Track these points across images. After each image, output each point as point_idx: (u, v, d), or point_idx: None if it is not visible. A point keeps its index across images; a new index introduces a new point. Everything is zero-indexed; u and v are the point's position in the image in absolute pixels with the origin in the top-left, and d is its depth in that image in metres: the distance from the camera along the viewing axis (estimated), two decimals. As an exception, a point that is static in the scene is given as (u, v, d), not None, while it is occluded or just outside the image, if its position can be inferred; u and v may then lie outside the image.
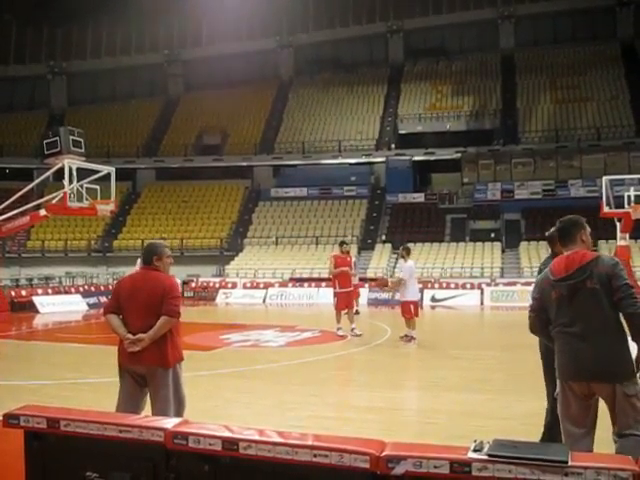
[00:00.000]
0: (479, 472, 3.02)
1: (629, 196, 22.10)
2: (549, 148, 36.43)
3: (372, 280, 25.47)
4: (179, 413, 5.16)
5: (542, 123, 38.11)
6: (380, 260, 32.13)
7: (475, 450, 3.11)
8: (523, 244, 31.87)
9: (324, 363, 11.68)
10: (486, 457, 3.05)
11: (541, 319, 4.47)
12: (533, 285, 4.75)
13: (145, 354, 5.14)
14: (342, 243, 15.62)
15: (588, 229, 4.54)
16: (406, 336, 13.64)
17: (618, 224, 21.96)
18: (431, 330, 17.65)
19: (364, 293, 24.45)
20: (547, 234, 5.96)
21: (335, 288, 14.96)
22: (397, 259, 31.97)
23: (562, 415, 4.33)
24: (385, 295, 24.36)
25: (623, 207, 21.88)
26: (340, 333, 14.59)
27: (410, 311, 13.58)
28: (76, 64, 47.26)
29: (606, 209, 22.21)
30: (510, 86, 40.56)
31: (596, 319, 4.15)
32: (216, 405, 8.06)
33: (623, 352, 4.14)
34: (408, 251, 14.17)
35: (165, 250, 5.39)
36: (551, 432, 5.49)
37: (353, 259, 15.58)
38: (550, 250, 5.90)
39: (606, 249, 28.07)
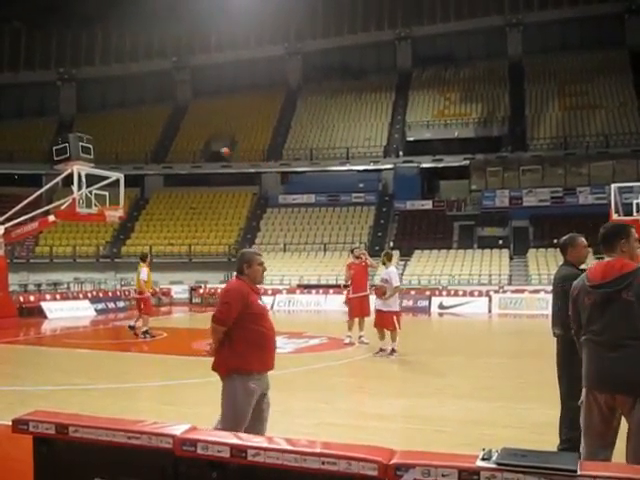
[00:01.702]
0: (488, 481, 3.01)
1: (637, 203, 22.02)
2: (557, 155, 36.34)
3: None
4: (223, 426, 4.92)
5: (550, 130, 38.03)
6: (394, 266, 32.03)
7: (484, 459, 3.10)
8: (531, 251, 31.78)
9: (332, 370, 11.66)
10: (495, 466, 3.04)
11: (579, 324, 4.38)
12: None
13: (214, 361, 5.20)
14: (352, 250, 15.62)
15: (634, 237, 4.37)
16: (382, 350, 12.82)
17: (627, 232, 21.86)
18: (439, 337, 17.62)
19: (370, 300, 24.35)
20: (559, 242, 5.93)
21: (350, 294, 14.82)
22: (403, 265, 31.99)
23: (584, 425, 4.26)
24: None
25: (632, 214, 21.78)
26: (347, 341, 14.53)
27: (393, 323, 12.71)
28: (85, 71, 47.47)
29: (615, 216, 22.10)
30: (518, 93, 40.51)
31: (627, 331, 4.04)
32: (224, 412, 8.05)
33: None
34: (390, 257, 13.62)
35: (256, 257, 5.31)
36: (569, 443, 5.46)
37: (368, 261, 15.22)
38: (563, 257, 5.85)
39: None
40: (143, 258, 17.09)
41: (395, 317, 12.77)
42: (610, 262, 4.23)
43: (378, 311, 12.90)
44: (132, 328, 16.45)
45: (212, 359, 5.15)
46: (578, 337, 4.47)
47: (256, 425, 5.04)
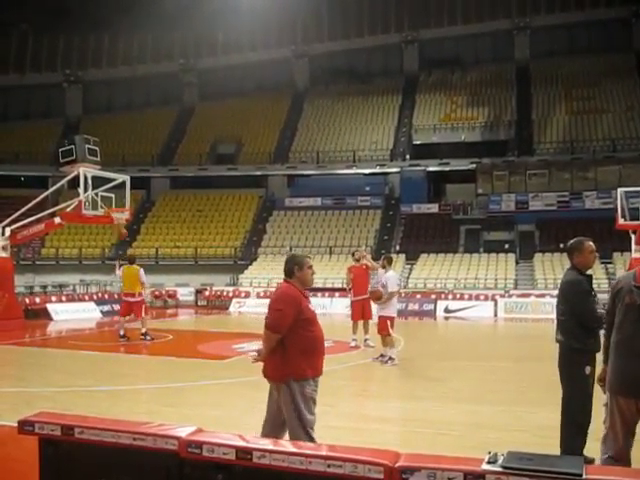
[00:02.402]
0: (493, 484, 3.00)
1: (644, 208, 21.95)
2: (564, 159, 36.26)
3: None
4: (298, 436, 4.85)
5: (557, 134, 37.97)
6: (394, 271, 32.01)
7: (489, 462, 3.10)
8: (537, 255, 31.71)
9: (337, 373, 11.64)
10: (500, 469, 3.03)
11: (613, 319, 4.31)
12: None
13: (264, 367, 5.17)
14: (353, 253, 15.62)
15: None
16: (382, 356, 12.55)
17: (633, 236, 21.78)
18: (444, 341, 17.59)
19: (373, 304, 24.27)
20: (566, 246, 5.88)
21: (352, 297, 14.82)
22: (409, 269, 31.97)
23: (608, 427, 4.22)
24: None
25: (638, 219, 21.70)
26: (353, 344, 14.51)
27: (387, 328, 12.39)
28: (92, 73, 47.60)
29: (621, 221, 22.05)
30: (525, 97, 40.46)
31: None
32: (230, 414, 8.07)
33: None
34: (390, 260, 13.48)
35: (306, 260, 5.28)
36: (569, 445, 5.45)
37: (368, 263, 15.19)
38: (570, 261, 5.79)
39: (621, 261, 27.92)
40: (133, 260, 17.52)
41: (389, 322, 12.44)
42: None
43: (378, 316, 12.76)
44: (144, 335, 16.13)
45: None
46: (609, 332, 4.41)
47: (277, 430, 5.04)
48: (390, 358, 12.37)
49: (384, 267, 13.29)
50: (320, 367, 5.12)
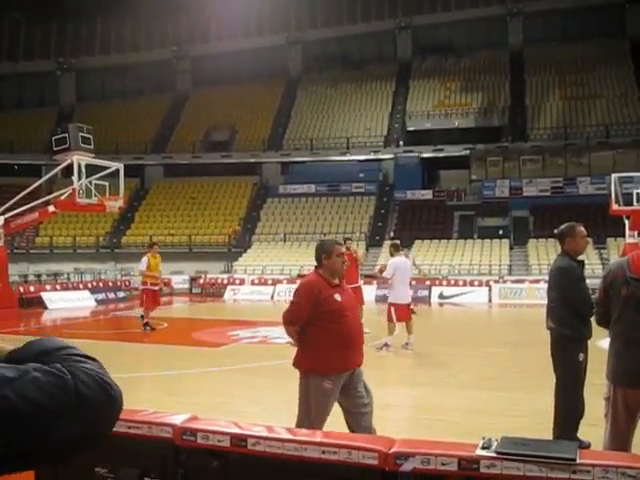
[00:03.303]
0: (487, 469, 3.02)
1: (638, 193, 21.99)
2: (558, 145, 36.27)
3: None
4: (299, 425, 4.79)
5: (551, 120, 37.96)
6: (388, 257, 32.06)
7: (483, 447, 3.12)
8: (531, 241, 31.78)
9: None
10: (494, 454, 3.05)
11: (608, 313, 4.26)
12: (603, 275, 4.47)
13: (295, 356, 5.08)
14: (345, 240, 15.60)
15: None
16: (406, 344, 12.53)
17: (627, 222, 21.85)
18: (439, 327, 17.65)
19: (371, 290, 24.37)
20: (557, 231, 5.85)
21: None
22: (404, 255, 32.00)
23: (610, 419, 4.21)
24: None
25: (632, 205, 21.75)
26: None
27: (389, 314, 12.44)
28: (85, 60, 47.33)
29: (615, 207, 22.10)
30: (519, 83, 40.39)
31: None
32: (225, 401, 8.09)
33: None
34: (396, 247, 13.70)
35: (335, 247, 5.05)
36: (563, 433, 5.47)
37: (358, 254, 15.29)
38: (561, 247, 5.78)
39: (615, 247, 28.01)
40: (148, 245, 16.97)
41: (393, 308, 12.49)
42: None
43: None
44: (145, 323, 15.85)
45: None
46: (602, 321, 4.39)
47: (356, 422, 4.91)
48: (386, 344, 12.40)
49: (391, 254, 13.63)
50: (344, 363, 4.85)
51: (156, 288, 15.81)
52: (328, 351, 4.74)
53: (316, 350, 4.79)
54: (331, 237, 34.70)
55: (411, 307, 18.28)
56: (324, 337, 4.75)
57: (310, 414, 4.81)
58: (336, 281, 4.96)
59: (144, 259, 15.62)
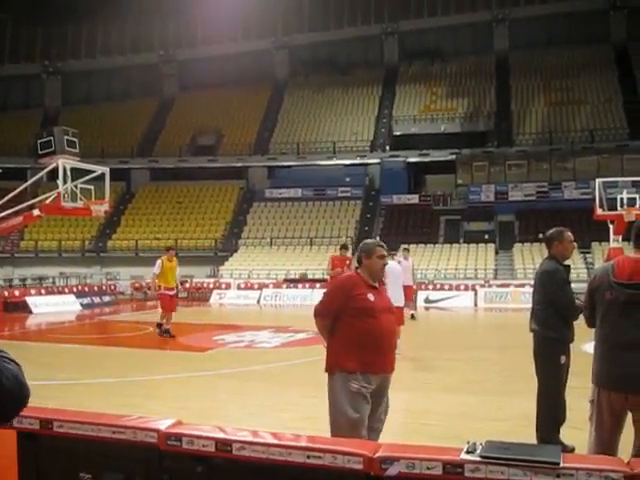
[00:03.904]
0: (472, 473, 3.03)
1: (622, 198, 22.12)
2: (543, 150, 36.49)
3: None
4: (338, 431, 4.60)
5: (536, 125, 38.18)
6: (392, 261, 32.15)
7: (468, 452, 3.13)
8: (517, 246, 31.93)
9: (318, 364, 11.58)
10: (479, 458, 3.06)
11: (594, 316, 4.28)
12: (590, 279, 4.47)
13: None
14: (342, 247, 15.58)
15: None
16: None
17: (611, 226, 21.97)
18: (425, 331, 17.68)
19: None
20: (545, 235, 5.92)
21: None
22: (390, 259, 32.04)
23: (595, 422, 4.23)
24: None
25: (616, 209, 21.88)
26: None
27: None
28: (71, 64, 47.14)
29: (599, 211, 22.21)
30: (504, 88, 40.61)
31: None
32: (211, 406, 8.06)
33: None
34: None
35: (376, 249, 4.91)
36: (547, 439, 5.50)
37: (351, 262, 15.31)
38: (548, 251, 5.83)
39: (599, 251, 28.19)
40: (165, 249, 16.09)
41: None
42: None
43: None
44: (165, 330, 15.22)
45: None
46: (590, 324, 4.41)
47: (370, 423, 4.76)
48: None
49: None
50: (373, 363, 4.70)
51: (171, 293, 15.21)
52: (354, 349, 4.65)
53: (342, 346, 4.71)
54: (317, 241, 34.74)
55: (412, 312, 18.34)
56: (349, 333, 4.68)
57: (343, 415, 4.62)
58: (374, 283, 4.87)
59: (158, 262, 15.14)
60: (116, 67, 46.96)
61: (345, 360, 4.66)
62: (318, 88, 44.17)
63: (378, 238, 34.29)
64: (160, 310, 15.25)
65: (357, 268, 4.95)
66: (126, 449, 3.58)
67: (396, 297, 12.70)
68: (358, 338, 4.64)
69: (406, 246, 22.69)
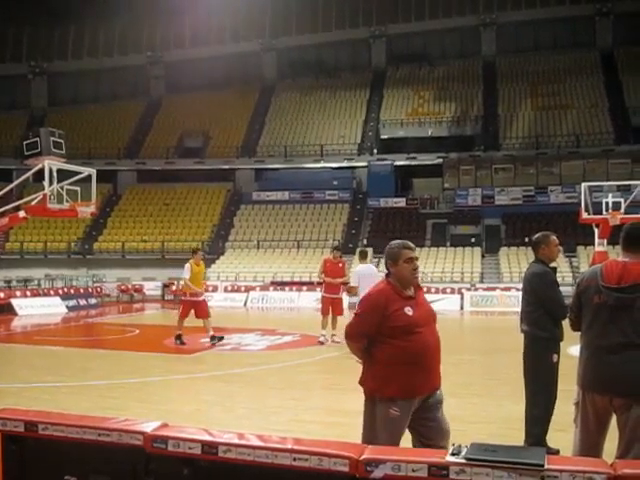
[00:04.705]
0: (457, 475, 3.05)
1: (607, 202, 22.26)
2: (529, 154, 36.68)
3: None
4: None
5: (523, 130, 38.37)
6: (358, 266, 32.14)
7: (453, 454, 3.15)
8: (503, 249, 32.04)
9: (305, 367, 11.68)
10: (464, 461, 3.08)
11: (580, 319, 4.29)
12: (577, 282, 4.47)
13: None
14: (335, 248, 15.49)
15: None
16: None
17: (596, 230, 22.10)
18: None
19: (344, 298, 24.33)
20: (531, 239, 6.00)
21: (322, 292, 14.75)
22: (376, 262, 32.09)
23: (580, 424, 4.26)
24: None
25: (601, 213, 22.00)
26: (321, 339, 14.35)
27: None
28: (58, 65, 46.89)
29: (585, 215, 22.33)
30: (491, 93, 40.80)
31: (632, 337, 3.98)
32: (197, 409, 8.05)
33: None
34: (362, 255, 14.00)
35: (403, 252, 4.40)
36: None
37: (344, 266, 15.26)
38: (535, 254, 5.91)
39: (585, 255, 28.34)
40: (192, 252, 14.90)
41: None
42: (628, 265, 4.08)
43: None
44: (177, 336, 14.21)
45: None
46: (575, 327, 4.43)
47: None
48: None
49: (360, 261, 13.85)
50: (415, 386, 4.22)
51: (200, 299, 14.26)
52: (394, 372, 4.16)
53: (381, 370, 4.21)
54: (305, 244, 34.66)
55: None
56: (390, 355, 4.18)
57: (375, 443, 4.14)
58: (409, 292, 4.35)
59: (187, 266, 14.12)
60: (103, 68, 46.75)
61: (385, 385, 4.18)
62: (306, 91, 44.21)
63: (365, 241, 34.37)
64: (179, 317, 14.25)
65: (387, 276, 4.43)
66: (112, 451, 3.58)
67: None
68: (399, 360, 4.17)
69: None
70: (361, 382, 4.38)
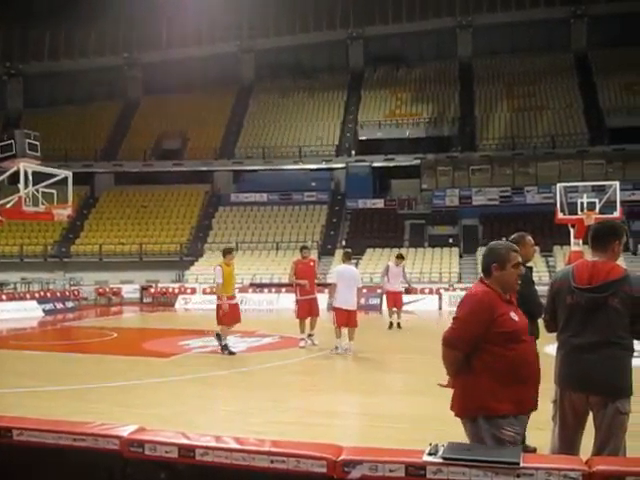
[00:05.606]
0: (434, 475, 3.07)
1: (582, 203, 22.51)
2: (506, 155, 36.94)
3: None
4: None
5: (499, 131, 38.65)
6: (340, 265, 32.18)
7: (430, 454, 3.16)
8: (480, 249, 32.15)
9: (284, 369, 11.68)
10: (440, 460, 3.10)
11: (555, 319, 4.35)
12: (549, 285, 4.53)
13: (452, 396, 4.02)
14: (303, 248, 15.40)
15: (624, 238, 4.25)
16: (336, 348, 12.89)
17: (572, 230, 22.33)
18: (390, 335, 17.76)
19: (323, 298, 24.35)
20: (507, 239, 6.06)
21: (297, 295, 14.40)
22: (355, 263, 32.17)
23: (558, 422, 4.32)
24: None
25: (577, 213, 22.25)
26: (302, 344, 14.01)
27: (337, 319, 12.84)
28: (33, 66, 46.43)
29: (560, 215, 22.57)
30: (468, 94, 41.04)
31: (608, 334, 4.04)
32: (176, 412, 8.01)
33: (626, 368, 4.11)
34: (346, 256, 14.14)
35: (511, 255, 3.95)
36: None
37: (315, 265, 15.26)
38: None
39: (560, 254, 28.61)
40: (223, 253, 13.68)
41: (334, 313, 13.11)
42: (597, 264, 4.16)
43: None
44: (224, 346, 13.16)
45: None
46: (549, 328, 4.50)
47: None
48: (336, 347, 12.89)
49: (343, 261, 14.03)
50: (528, 401, 3.80)
51: (234, 302, 13.50)
52: (502, 385, 3.71)
53: (486, 384, 3.72)
54: (283, 246, 34.72)
55: (398, 322, 18.41)
56: (498, 367, 3.73)
57: None
58: (508, 297, 3.96)
59: (218, 269, 13.08)
60: (80, 69, 46.35)
61: (494, 401, 3.70)
62: (283, 92, 44.17)
63: (344, 242, 34.40)
64: (221, 325, 13.29)
65: (484, 279, 3.98)
66: (88, 457, 3.55)
67: (349, 300, 12.94)
68: (509, 371, 3.72)
69: (400, 252, 22.98)
70: (455, 402, 3.94)
